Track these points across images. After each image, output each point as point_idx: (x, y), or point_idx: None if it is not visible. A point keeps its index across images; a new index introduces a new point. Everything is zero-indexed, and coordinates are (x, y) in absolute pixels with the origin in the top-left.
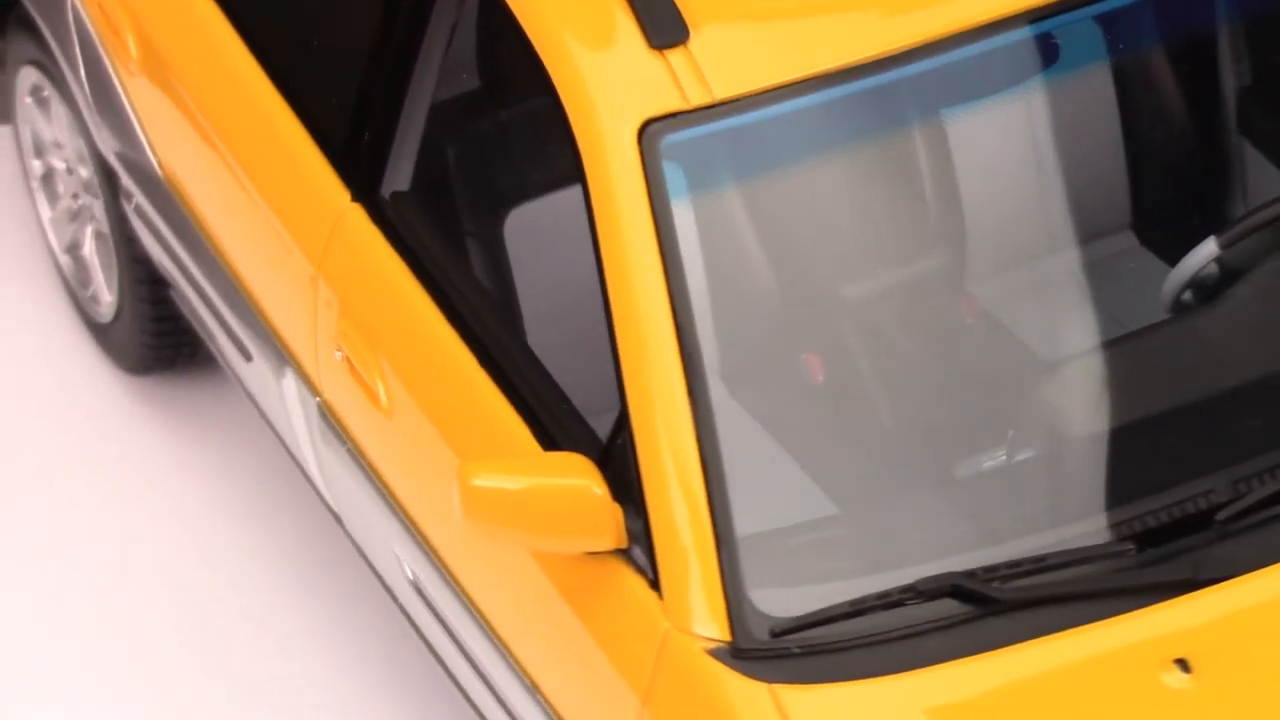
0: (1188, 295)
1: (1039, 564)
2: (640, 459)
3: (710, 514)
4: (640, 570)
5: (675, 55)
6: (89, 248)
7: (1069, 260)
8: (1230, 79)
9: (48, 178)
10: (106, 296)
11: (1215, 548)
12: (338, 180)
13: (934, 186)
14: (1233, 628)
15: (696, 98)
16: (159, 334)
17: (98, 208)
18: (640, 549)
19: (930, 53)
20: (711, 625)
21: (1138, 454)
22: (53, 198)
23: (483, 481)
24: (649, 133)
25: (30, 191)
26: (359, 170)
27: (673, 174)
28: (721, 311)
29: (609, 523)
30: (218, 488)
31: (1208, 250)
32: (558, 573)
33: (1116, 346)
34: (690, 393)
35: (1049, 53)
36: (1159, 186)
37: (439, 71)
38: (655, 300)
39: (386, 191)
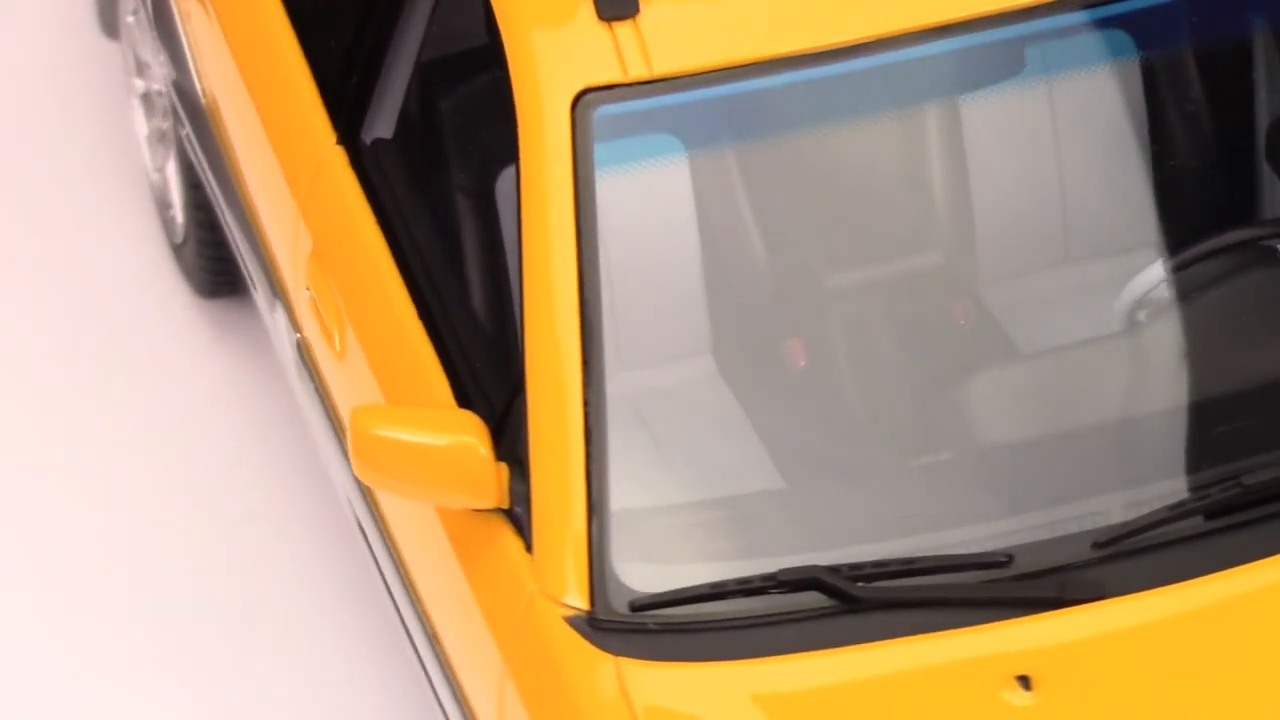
0: (1142, 315)
1: (907, 566)
2: (529, 422)
3: (587, 483)
4: (519, 532)
5: (622, 28)
6: (170, 169)
7: (986, 265)
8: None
9: (145, 97)
10: (179, 218)
11: (1089, 570)
12: (328, 122)
13: (857, 184)
14: (1083, 651)
15: (635, 71)
16: (215, 259)
17: (173, 131)
18: (522, 511)
19: (874, 50)
20: (574, 593)
21: (1032, 468)
22: (149, 116)
23: (373, 429)
24: (584, 101)
25: (132, 108)
26: (345, 114)
27: (602, 145)
28: (631, 288)
29: (491, 482)
30: (265, 415)
31: (1155, 273)
32: (452, 524)
33: (1033, 360)
34: (585, 363)
35: (1006, 62)
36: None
37: (427, 25)
38: (565, 269)
39: (368, 138)
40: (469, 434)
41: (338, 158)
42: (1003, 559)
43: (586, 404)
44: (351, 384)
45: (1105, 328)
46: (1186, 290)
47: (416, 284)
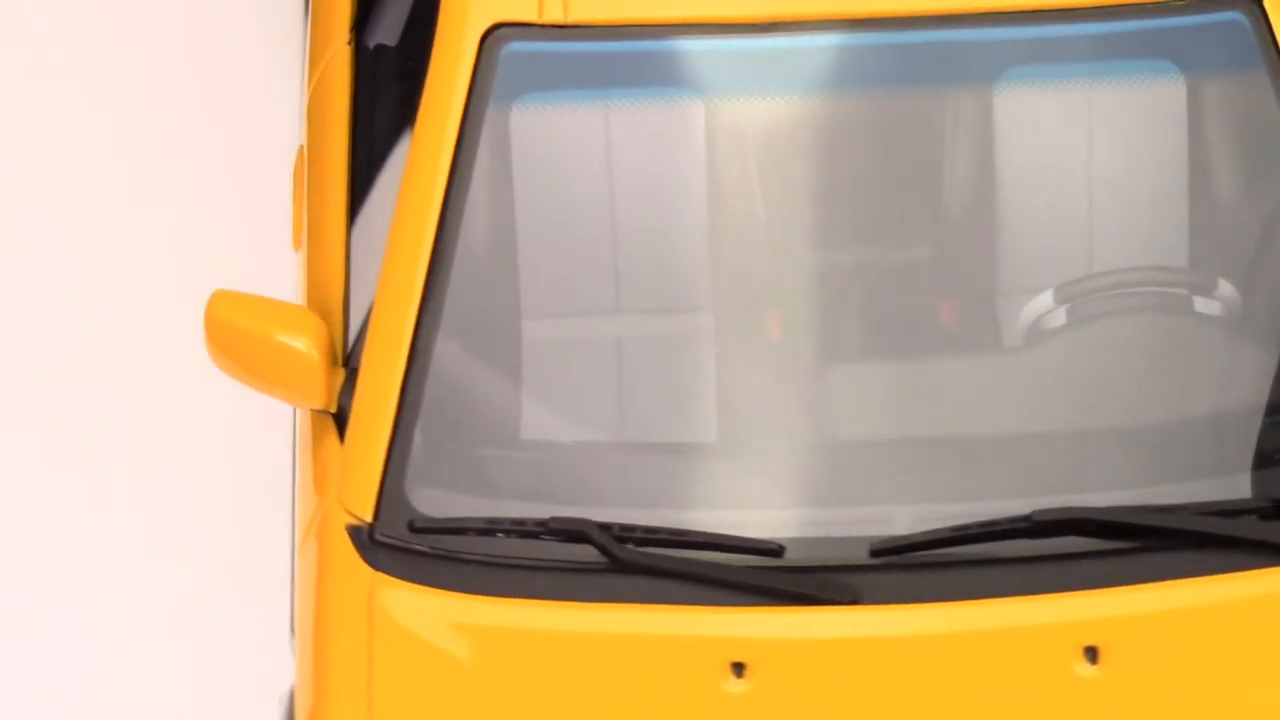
0: (1016, 338)
1: (678, 537)
2: (368, 333)
3: (400, 402)
4: (341, 437)
5: None
6: None
7: (833, 261)
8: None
9: None
10: None
11: (855, 574)
12: (348, 17)
13: (735, 157)
14: (808, 646)
15: (551, 14)
16: None
17: None
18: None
19: (791, 30)
20: (362, 505)
21: (834, 468)
22: None
23: (224, 315)
24: (493, 37)
25: None
26: (359, 13)
27: (502, 82)
28: (494, 226)
29: (319, 385)
30: None
31: (1044, 302)
32: (305, 423)
33: (863, 364)
34: (428, 286)
35: (906, 64)
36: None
37: None
38: (433, 193)
39: (371, 41)
40: (306, 335)
41: (342, 55)
42: (775, 548)
43: (420, 326)
44: (296, 279)
45: (945, 343)
46: (1053, 323)
47: (355, 191)
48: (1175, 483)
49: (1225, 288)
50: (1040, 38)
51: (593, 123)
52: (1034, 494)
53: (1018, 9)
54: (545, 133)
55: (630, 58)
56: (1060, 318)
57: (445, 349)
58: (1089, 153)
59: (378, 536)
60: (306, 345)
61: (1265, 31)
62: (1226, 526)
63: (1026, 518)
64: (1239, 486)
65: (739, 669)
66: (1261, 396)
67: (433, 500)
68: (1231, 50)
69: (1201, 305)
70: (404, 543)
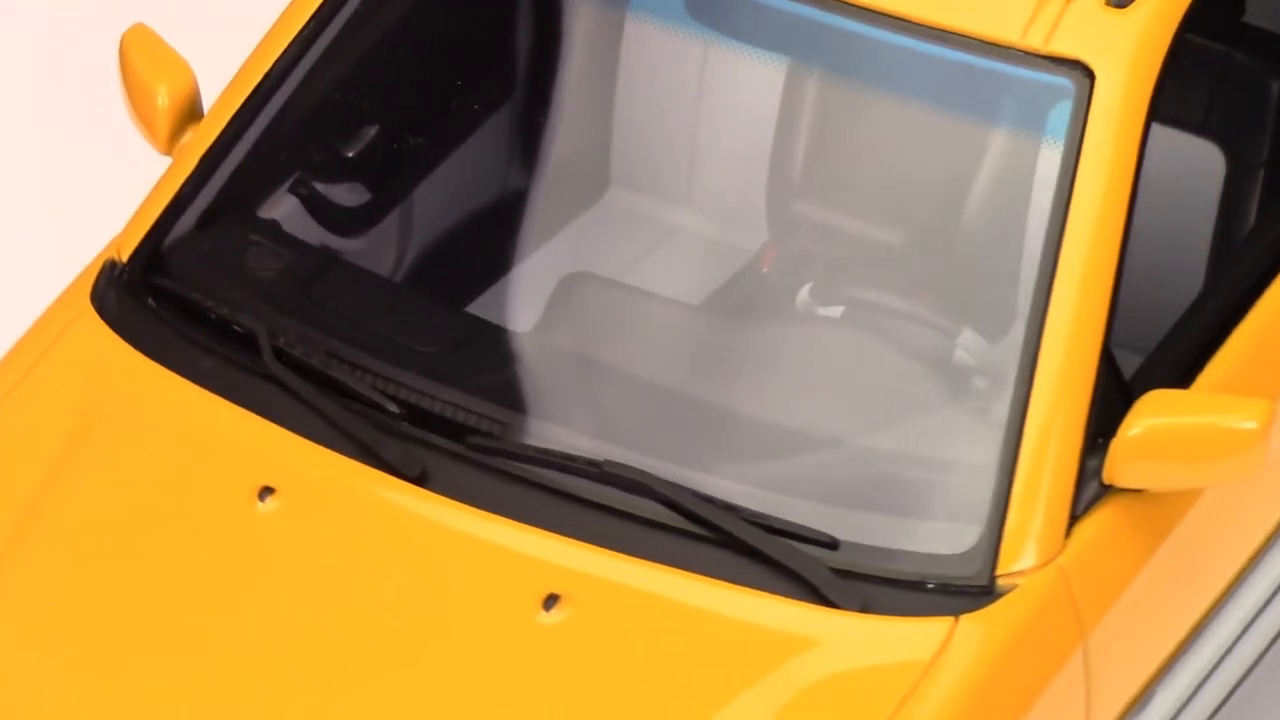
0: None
1: (328, 362)
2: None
3: (204, 163)
4: None
5: None
6: None
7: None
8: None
9: None
10: None
11: (443, 459)
12: None
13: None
14: (338, 487)
15: None
16: None
17: None
18: None
19: None
20: (127, 244)
21: (530, 369)
22: None
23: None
24: None
25: None
26: None
27: None
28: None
29: (164, 131)
30: None
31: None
32: None
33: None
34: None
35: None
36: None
37: None
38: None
39: None
40: (167, 83)
41: None
42: (396, 410)
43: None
44: None
45: (721, 299)
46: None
47: None
48: (787, 493)
49: (972, 338)
50: (885, 44)
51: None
52: (681, 456)
53: (894, 13)
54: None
55: None
56: (821, 310)
57: (269, 138)
58: (895, 167)
59: (122, 277)
60: (164, 93)
61: (1083, 109)
62: (758, 539)
63: (598, 464)
64: (830, 517)
65: (267, 492)
66: (928, 449)
67: (184, 261)
68: (1048, 114)
69: (960, 351)
70: (137, 287)
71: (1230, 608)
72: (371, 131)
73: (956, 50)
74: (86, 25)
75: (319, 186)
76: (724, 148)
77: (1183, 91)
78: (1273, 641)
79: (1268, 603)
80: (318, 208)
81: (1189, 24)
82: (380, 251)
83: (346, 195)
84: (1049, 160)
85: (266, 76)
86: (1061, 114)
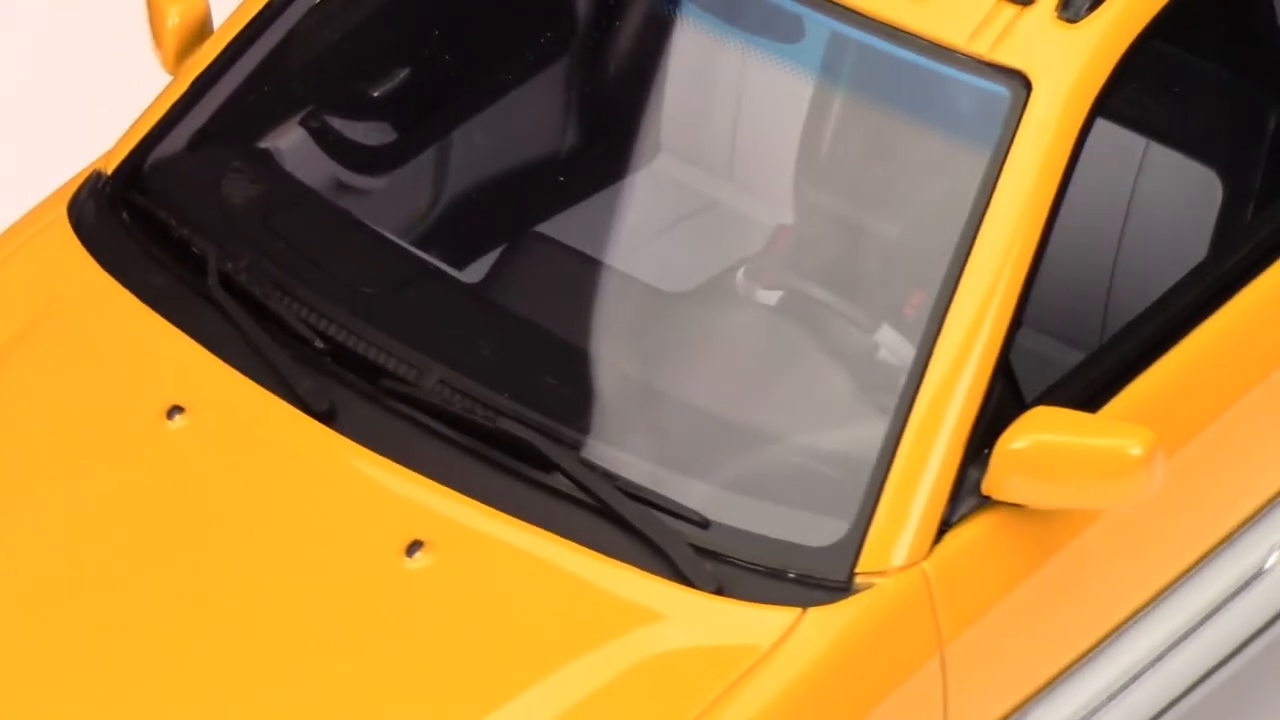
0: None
1: (270, 292)
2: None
3: (199, 85)
4: None
5: None
6: None
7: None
8: None
9: None
10: None
11: (353, 398)
12: None
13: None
14: (244, 409)
15: None
16: None
17: None
18: None
19: None
20: (114, 157)
21: (448, 296)
22: None
23: None
24: None
25: None
26: None
27: None
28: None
29: (171, 51)
30: None
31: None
32: None
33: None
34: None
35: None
36: None
37: None
38: None
39: None
40: (178, 4)
41: None
42: (321, 346)
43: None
44: None
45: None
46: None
47: None
48: (674, 470)
49: (891, 336)
50: (835, 34)
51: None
52: (578, 422)
53: (847, 5)
54: None
55: None
56: (762, 293)
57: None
58: (833, 157)
59: (100, 184)
60: (174, 14)
61: (1015, 119)
62: (628, 509)
63: (494, 421)
64: (708, 497)
65: (176, 410)
66: (814, 442)
67: (162, 176)
68: (981, 121)
69: (882, 346)
70: (107, 205)
71: (1116, 650)
72: (402, 73)
73: (903, 48)
74: (87, 25)
75: (331, 121)
76: (761, 130)
77: (1186, 114)
78: (1172, 703)
79: (1161, 656)
80: (328, 143)
81: (1145, 42)
82: (398, 196)
83: (364, 134)
84: (973, 167)
85: (269, 4)
86: (994, 122)
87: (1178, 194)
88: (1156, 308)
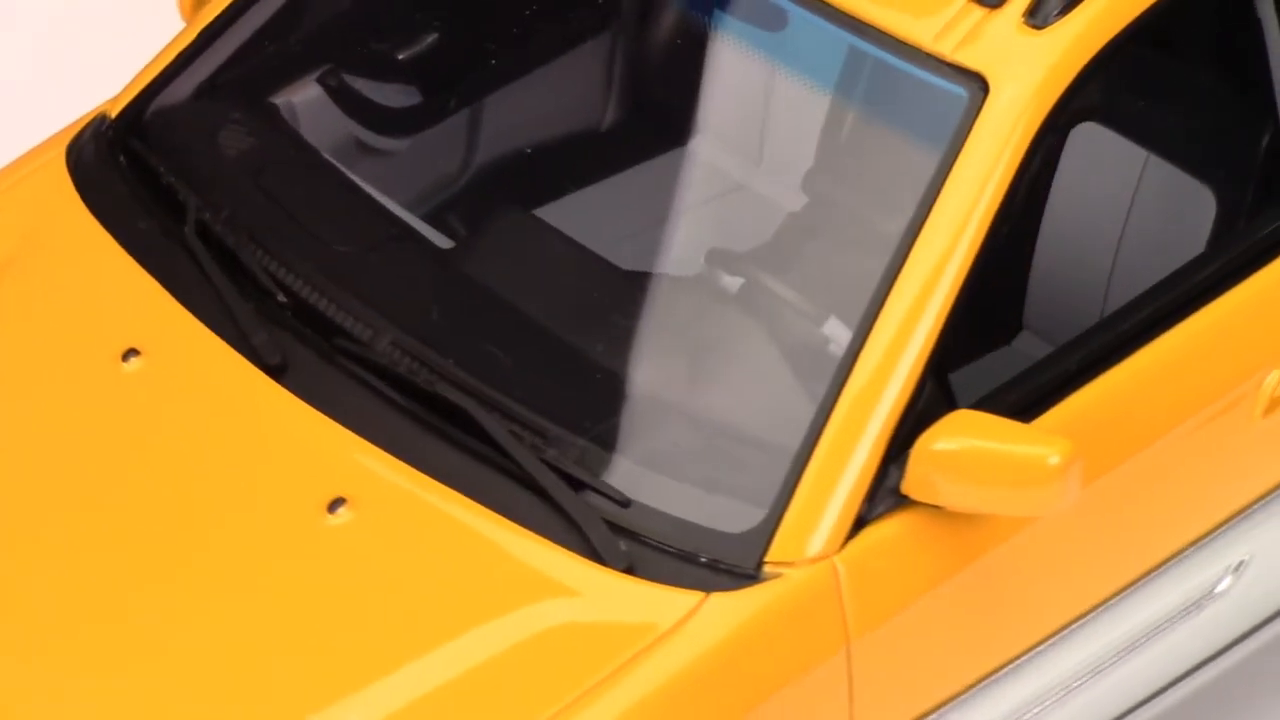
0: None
1: (244, 243)
2: None
3: (202, 40)
4: None
5: None
6: None
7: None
8: None
9: None
10: None
11: (308, 357)
12: None
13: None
14: (199, 358)
15: None
16: None
17: None
18: None
19: None
20: (120, 102)
21: (418, 266)
22: None
23: None
24: None
25: None
26: None
27: None
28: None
29: (188, 4)
30: None
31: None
32: None
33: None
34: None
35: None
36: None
37: None
38: None
39: None
40: None
41: None
42: (282, 301)
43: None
44: None
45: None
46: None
47: None
48: (605, 447)
49: (838, 328)
50: (806, 25)
51: None
52: (520, 392)
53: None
54: None
55: None
56: (725, 277)
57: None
58: (793, 147)
59: (103, 127)
60: None
61: (969, 121)
62: (550, 482)
63: (433, 385)
64: (635, 477)
65: (132, 353)
66: (742, 429)
67: (160, 132)
68: (936, 121)
69: (831, 340)
70: (107, 147)
71: (1039, 665)
72: (417, 35)
73: (868, 43)
74: (87, 25)
75: (335, 80)
76: (729, 117)
77: (1183, 128)
78: None
79: (1085, 678)
80: (330, 101)
81: (1113, 53)
82: (398, 161)
83: (370, 94)
84: (924, 166)
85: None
86: (949, 122)
87: (1173, 206)
88: (1109, 322)
